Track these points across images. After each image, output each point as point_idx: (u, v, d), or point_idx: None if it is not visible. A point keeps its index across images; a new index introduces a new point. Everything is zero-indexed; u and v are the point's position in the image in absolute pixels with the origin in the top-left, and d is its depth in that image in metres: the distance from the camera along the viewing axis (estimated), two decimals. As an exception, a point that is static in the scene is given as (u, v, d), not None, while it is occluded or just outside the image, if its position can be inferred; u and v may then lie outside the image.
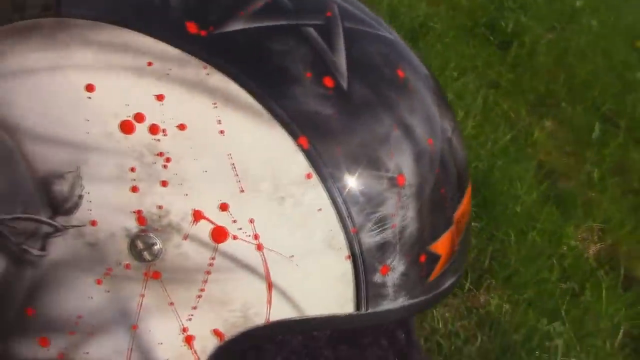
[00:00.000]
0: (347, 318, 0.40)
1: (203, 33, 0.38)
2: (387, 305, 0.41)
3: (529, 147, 2.10)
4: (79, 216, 0.37)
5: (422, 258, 0.42)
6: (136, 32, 0.38)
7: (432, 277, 0.43)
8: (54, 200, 0.37)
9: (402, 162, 0.40)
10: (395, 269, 0.40)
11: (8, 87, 0.38)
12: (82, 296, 0.38)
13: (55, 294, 0.38)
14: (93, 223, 0.37)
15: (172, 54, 0.37)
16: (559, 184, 1.99)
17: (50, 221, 0.38)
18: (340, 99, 0.39)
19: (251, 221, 0.37)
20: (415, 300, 0.42)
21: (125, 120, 0.37)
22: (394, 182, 0.40)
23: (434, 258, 0.42)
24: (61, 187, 0.37)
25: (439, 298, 0.44)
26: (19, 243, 0.38)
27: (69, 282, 0.38)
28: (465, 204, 0.45)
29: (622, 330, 1.71)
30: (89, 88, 0.37)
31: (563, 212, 1.85)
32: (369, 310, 0.40)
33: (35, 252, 0.38)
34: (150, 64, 0.37)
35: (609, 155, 2.17)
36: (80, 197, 0.37)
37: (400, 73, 0.42)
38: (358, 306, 0.40)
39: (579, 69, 2.54)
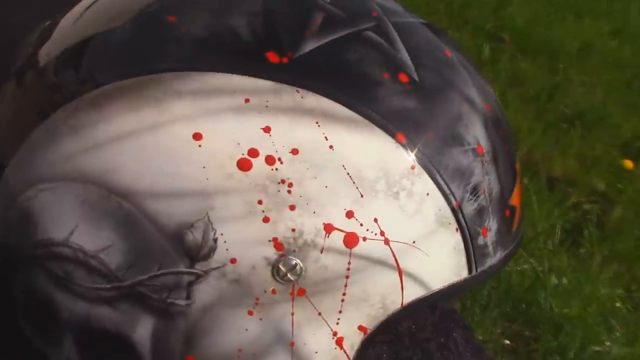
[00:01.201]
0: (463, 283, 0.44)
1: (285, 60, 0.40)
2: (489, 261, 0.45)
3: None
4: (217, 258, 0.39)
5: (507, 213, 0.46)
6: (223, 74, 0.40)
7: (514, 228, 0.48)
8: (189, 250, 0.39)
9: (476, 132, 0.44)
10: (491, 229, 0.45)
11: (109, 155, 0.39)
12: (238, 330, 0.40)
13: (212, 336, 0.40)
14: (232, 261, 0.39)
15: (265, 87, 0.39)
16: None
17: (190, 270, 0.39)
18: (417, 90, 0.42)
19: (375, 220, 0.40)
20: (507, 251, 0.47)
21: (241, 159, 0.39)
22: (476, 153, 0.44)
23: (513, 210, 0.47)
24: (194, 236, 0.39)
25: (519, 245, 0.49)
26: (163, 299, 0.40)
27: (222, 321, 0.40)
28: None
29: (558, 228, 1.86)
30: (197, 137, 0.39)
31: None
32: (478, 270, 0.45)
33: (182, 302, 0.40)
34: (247, 100, 0.39)
35: (502, 70, 2.30)
36: (215, 240, 0.39)
37: (448, 53, 0.46)
38: (470, 270, 0.44)
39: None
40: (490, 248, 0.45)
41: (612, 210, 2.13)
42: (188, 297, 0.40)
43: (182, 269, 0.39)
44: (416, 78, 0.42)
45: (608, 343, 1.70)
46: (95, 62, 0.42)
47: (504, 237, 0.46)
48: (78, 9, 0.47)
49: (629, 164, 2.19)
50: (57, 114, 0.41)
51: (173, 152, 0.39)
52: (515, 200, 0.48)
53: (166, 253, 0.39)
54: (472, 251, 0.44)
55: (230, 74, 0.40)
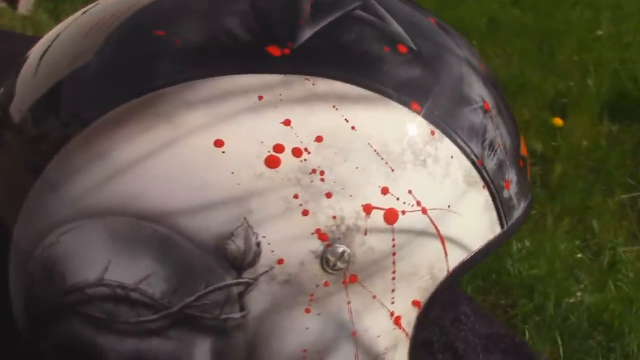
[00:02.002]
0: (497, 239, 0.44)
1: (287, 52, 0.40)
2: (516, 213, 0.46)
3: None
4: (263, 262, 0.38)
5: (521, 163, 0.47)
6: (230, 77, 0.39)
7: (528, 177, 0.48)
8: (234, 260, 0.38)
9: (479, 90, 0.44)
10: (512, 181, 0.45)
11: (131, 181, 0.38)
12: (299, 331, 0.39)
13: (274, 343, 0.39)
14: (280, 262, 0.38)
15: (274, 81, 0.39)
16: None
17: (238, 281, 0.38)
18: (418, 59, 0.42)
19: (410, 192, 0.40)
20: (527, 200, 0.47)
21: (268, 157, 0.38)
22: (484, 110, 0.44)
23: (525, 160, 0.48)
24: (236, 245, 0.38)
25: (532, 190, 0.50)
26: (216, 316, 0.38)
27: (280, 325, 0.39)
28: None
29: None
30: (218, 144, 0.38)
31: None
32: (509, 224, 0.45)
33: (237, 315, 0.38)
34: (260, 97, 0.38)
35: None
36: (258, 244, 0.38)
37: (431, 20, 0.47)
38: (502, 225, 0.45)
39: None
40: (515, 200, 0.45)
41: (553, 168, 2.20)
42: (242, 309, 0.38)
43: (230, 281, 0.38)
44: (414, 47, 0.42)
45: (579, 293, 1.75)
46: (75, 102, 0.40)
47: (523, 187, 0.46)
48: (31, 61, 0.45)
49: (558, 121, 2.27)
50: (52, 163, 0.39)
51: (197, 164, 0.37)
52: (523, 150, 0.48)
53: (210, 269, 0.38)
54: (501, 205, 0.44)
55: (237, 75, 0.39)
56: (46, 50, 0.44)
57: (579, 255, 1.87)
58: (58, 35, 0.45)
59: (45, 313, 0.41)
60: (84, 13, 0.46)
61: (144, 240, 0.38)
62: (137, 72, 0.39)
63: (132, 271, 0.38)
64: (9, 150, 0.43)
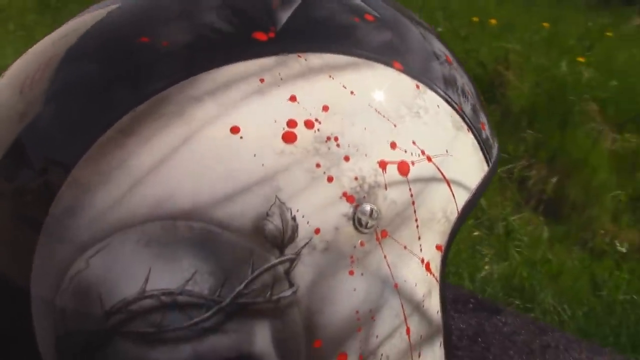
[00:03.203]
0: (486, 177, 0.48)
1: (272, 35, 0.41)
2: (494, 152, 0.50)
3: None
4: (302, 235, 0.39)
5: (484, 106, 0.51)
6: (226, 67, 0.40)
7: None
8: (274, 239, 0.38)
9: (438, 46, 0.48)
10: (485, 122, 0.49)
11: (156, 184, 0.38)
12: (348, 294, 0.40)
13: (327, 311, 0.40)
14: (317, 231, 0.39)
15: (269, 63, 0.40)
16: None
17: (282, 259, 0.39)
18: (385, 24, 0.45)
19: (414, 143, 0.43)
20: (496, 140, 0.51)
21: (284, 133, 0.39)
22: (448, 63, 0.48)
23: (483, 102, 0.52)
24: (273, 224, 0.38)
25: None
26: (268, 298, 0.39)
27: (330, 293, 0.40)
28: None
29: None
30: (235, 130, 0.38)
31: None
32: (491, 162, 0.49)
33: (288, 292, 0.39)
34: (262, 80, 0.39)
35: None
36: (294, 218, 0.39)
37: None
38: (487, 163, 0.48)
39: None
40: (491, 140, 0.49)
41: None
42: (291, 285, 0.39)
43: (275, 260, 0.38)
44: (378, 15, 0.45)
45: (487, 267, 1.84)
46: (48, 146, 0.39)
47: (492, 128, 0.50)
48: None
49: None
50: (55, 205, 0.38)
51: (218, 154, 0.38)
52: (481, 96, 0.52)
53: (253, 253, 0.38)
54: (483, 145, 0.48)
55: (232, 64, 0.40)
56: None
57: (476, 233, 1.97)
58: None
59: (84, 348, 0.39)
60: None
61: (181, 239, 0.37)
62: (132, 81, 0.39)
63: (174, 274, 0.37)
64: None
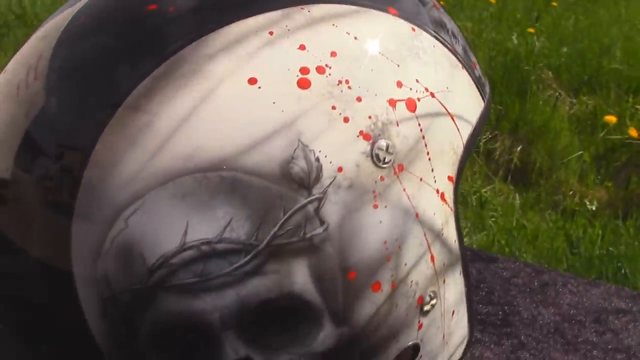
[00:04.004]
0: (483, 112, 0.51)
1: (273, -9, 0.43)
2: (487, 89, 0.52)
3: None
4: (326, 175, 0.41)
5: (470, 46, 0.53)
6: (235, 23, 0.42)
7: (479, 62, 0.55)
8: (301, 180, 0.40)
9: (424, -6, 0.51)
10: (476, 63, 0.52)
11: (183, 141, 0.39)
12: (375, 226, 0.42)
13: (357, 243, 0.42)
14: (339, 170, 0.41)
15: (275, 16, 0.42)
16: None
17: (311, 198, 0.41)
18: None
19: (417, 81, 0.45)
20: (487, 81, 0.54)
21: (299, 80, 0.41)
22: (435, 7, 0.50)
23: (470, 45, 0.54)
24: (299, 166, 0.40)
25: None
26: (302, 237, 0.41)
27: (358, 227, 0.42)
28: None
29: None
30: (252, 81, 0.40)
31: None
32: (486, 98, 0.51)
33: (320, 230, 0.41)
34: (271, 33, 0.41)
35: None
36: (317, 159, 0.41)
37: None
38: (482, 99, 0.51)
39: None
40: (483, 77, 0.52)
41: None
42: (322, 223, 0.41)
43: (304, 201, 0.40)
44: None
45: (467, 238, 1.88)
46: (63, 127, 0.41)
47: (481, 68, 0.53)
48: None
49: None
50: (84, 181, 0.40)
51: (240, 105, 0.40)
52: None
53: (283, 195, 0.40)
54: (477, 82, 0.50)
55: (241, 21, 0.41)
56: None
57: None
58: None
59: (130, 308, 0.41)
60: None
61: (214, 189, 0.39)
62: (147, 47, 0.41)
63: (211, 224, 0.39)
64: (17, 206, 0.42)
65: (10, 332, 0.46)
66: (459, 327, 0.50)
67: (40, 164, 0.42)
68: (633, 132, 2.18)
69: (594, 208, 2.03)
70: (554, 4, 3.03)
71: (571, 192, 2.14)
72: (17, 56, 0.46)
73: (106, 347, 0.42)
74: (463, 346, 0.52)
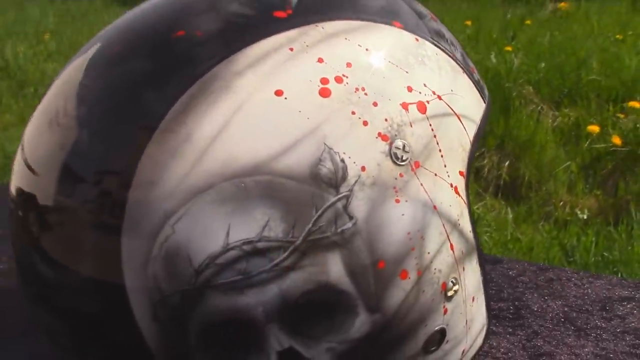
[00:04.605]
0: (485, 111, 0.55)
1: (290, 12, 0.48)
2: (485, 92, 0.57)
3: None
4: (352, 174, 0.45)
5: (467, 53, 0.58)
6: (258, 43, 0.46)
7: (476, 68, 0.60)
8: (330, 180, 0.44)
9: (419, 7, 0.55)
10: (474, 68, 0.56)
11: (219, 151, 0.43)
12: (398, 219, 0.46)
13: (384, 236, 0.46)
14: (363, 169, 0.45)
15: (294, 35, 0.46)
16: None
17: (339, 196, 0.44)
18: None
19: (425, 85, 0.49)
20: (484, 85, 0.59)
21: (320, 89, 0.45)
22: (432, 19, 0.55)
23: (467, 52, 0.59)
24: (326, 168, 0.44)
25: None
26: (334, 232, 0.44)
27: (383, 220, 0.46)
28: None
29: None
30: (278, 93, 0.44)
31: None
32: (486, 100, 0.56)
33: (350, 224, 0.45)
34: (291, 49, 0.46)
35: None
36: (342, 160, 0.45)
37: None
38: (483, 100, 0.55)
39: None
40: (481, 81, 0.56)
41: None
42: (350, 218, 0.45)
43: (333, 199, 0.44)
44: None
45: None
46: (98, 163, 0.45)
47: (479, 72, 0.58)
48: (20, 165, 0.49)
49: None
50: (130, 198, 0.43)
51: (269, 115, 0.44)
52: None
53: (314, 195, 0.44)
54: (477, 86, 0.55)
55: (263, 40, 0.46)
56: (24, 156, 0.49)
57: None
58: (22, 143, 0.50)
59: (179, 308, 0.44)
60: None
61: (251, 193, 0.43)
62: (179, 69, 0.45)
63: (251, 224, 0.43)
64: (62, 230, 0.46)
65: (64, 346, 0.49)
66: (479, 314, 0.54)
67: (81, 190, 0.45)
68: (617, 140, 2.24)
69: (585, 217, 2.07)
70: (528, 22, 3.12)
71: (562, 203, 2.18)
72: (57, 81, 0.50)
73: (156, 347, 0.45)
74: (483, 334, 0.56)
